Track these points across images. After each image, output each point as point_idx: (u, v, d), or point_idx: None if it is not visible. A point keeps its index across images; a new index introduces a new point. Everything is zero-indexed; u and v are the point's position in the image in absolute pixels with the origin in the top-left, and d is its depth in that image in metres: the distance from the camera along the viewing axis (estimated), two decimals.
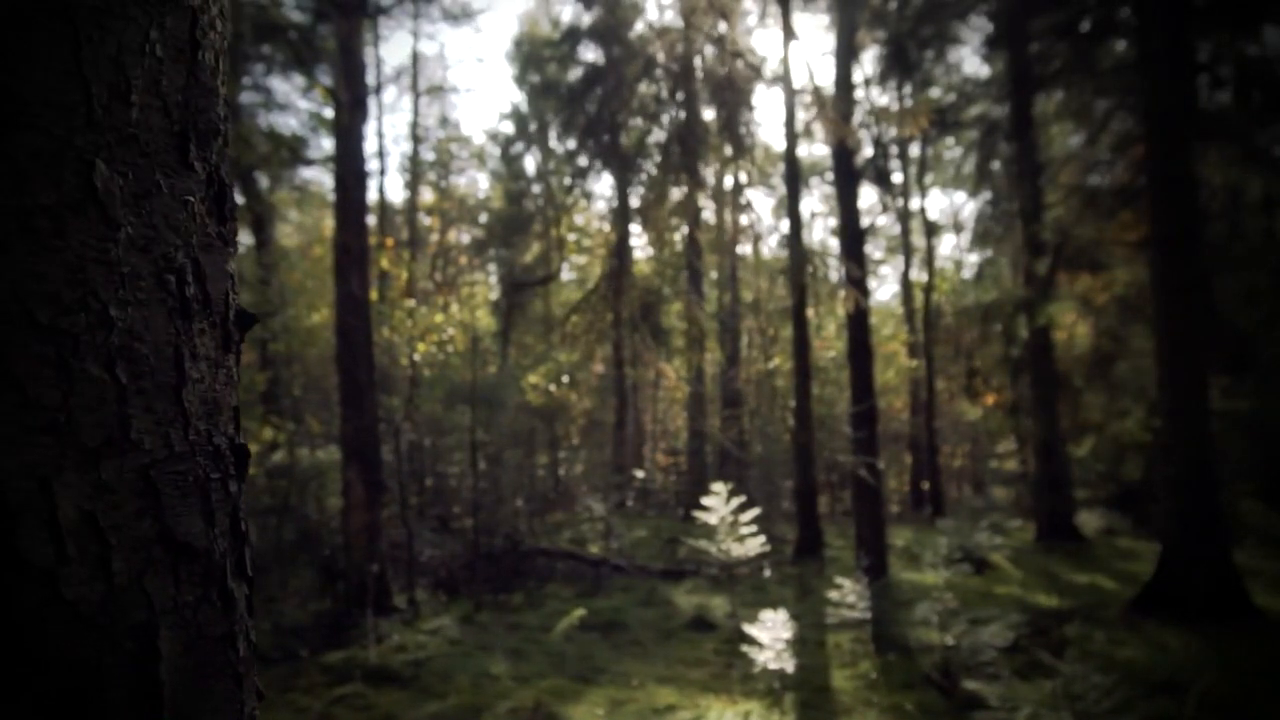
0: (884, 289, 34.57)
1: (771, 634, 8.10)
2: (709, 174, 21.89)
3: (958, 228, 30.39)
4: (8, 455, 0.54)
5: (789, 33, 13.70)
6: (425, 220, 28.84)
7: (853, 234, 12.43)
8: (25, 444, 0.55)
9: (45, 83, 0.59)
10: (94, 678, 0.57)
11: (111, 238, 0.63)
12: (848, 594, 9.70)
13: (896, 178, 24.75)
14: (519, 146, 28.39)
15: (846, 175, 12.33)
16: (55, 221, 0.59)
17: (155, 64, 0.69)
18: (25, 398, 0.55)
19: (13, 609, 0.52)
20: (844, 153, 12.07)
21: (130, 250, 0.65)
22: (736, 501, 9.96)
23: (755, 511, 10.02)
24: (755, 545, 9.80)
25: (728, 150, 18.68)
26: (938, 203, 55.50)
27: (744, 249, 28.63)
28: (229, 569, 0.74)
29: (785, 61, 14.00)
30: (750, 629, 8.33)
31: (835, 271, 17.61)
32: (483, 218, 30.76)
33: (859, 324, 12.21)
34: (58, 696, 0.54)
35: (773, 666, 7.91)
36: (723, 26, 11.55)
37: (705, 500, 10.15)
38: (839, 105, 11.33)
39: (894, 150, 22.48)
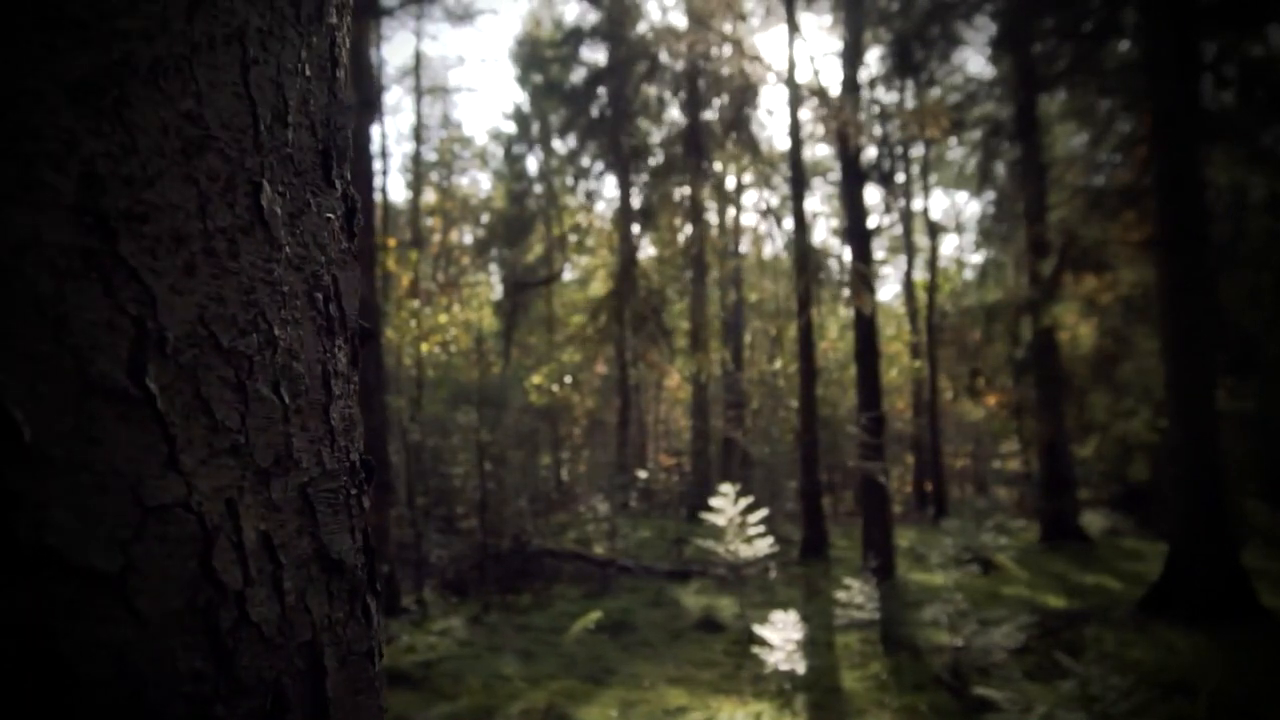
0: (886, 289, 34.54)
1: (782, 635, 8.11)
2: (713, 174, 21.91)
3: (959, 228, 30.43)
4: (202, 478, 0.54)
5: (794, 31, 13.72)
6: (428, 221, 28.83)
7: (859, 234, 12.44)
8: (215, 466, 0.55)
9: (222, 106, 0.59)
10: (279, 698, 0.57)
11: (275, 258, 0.64)
12: (856, 595, 9.72)
13: (898, 178, 24.75)
14: (521, 147, 28.40)
15: (853, 176, 12.34)
16: (231, 244, 0.59)
17: (305, 84, 0.70)
18: (214, 420, 0.56)
19: (214, 633, 0.52)
20: (850, 153, 12.08)
21: (288, 270, 0.66)
22: (745, 502, 9.97)
23: (763, 513, 10.03)
24: (764, 546, 9.81)
25: (731, 149, 18.71)
26: (939, 203, 55.53)
27: (746, 248, 28.67)
28: (367, 584, 0.75)
29: (791, 61, 14.01)
30: (760, 630, 8.33)
31: (837, 272, 17.62)
32: (485, 218, 30.76)
33: (866, 325, 12.22)
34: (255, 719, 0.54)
35: (784, 668, 7.92)
36: (734, 27, 11.57)
37: (713, 501, 10.16)
38: (847, 106, 11.34)
39: (897, 150, 22.48)
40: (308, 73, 0.70)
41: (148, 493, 0.49)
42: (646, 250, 24.62)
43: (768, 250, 30.32)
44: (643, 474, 22.88)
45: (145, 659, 0.47)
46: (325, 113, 0.73)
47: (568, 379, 23.91)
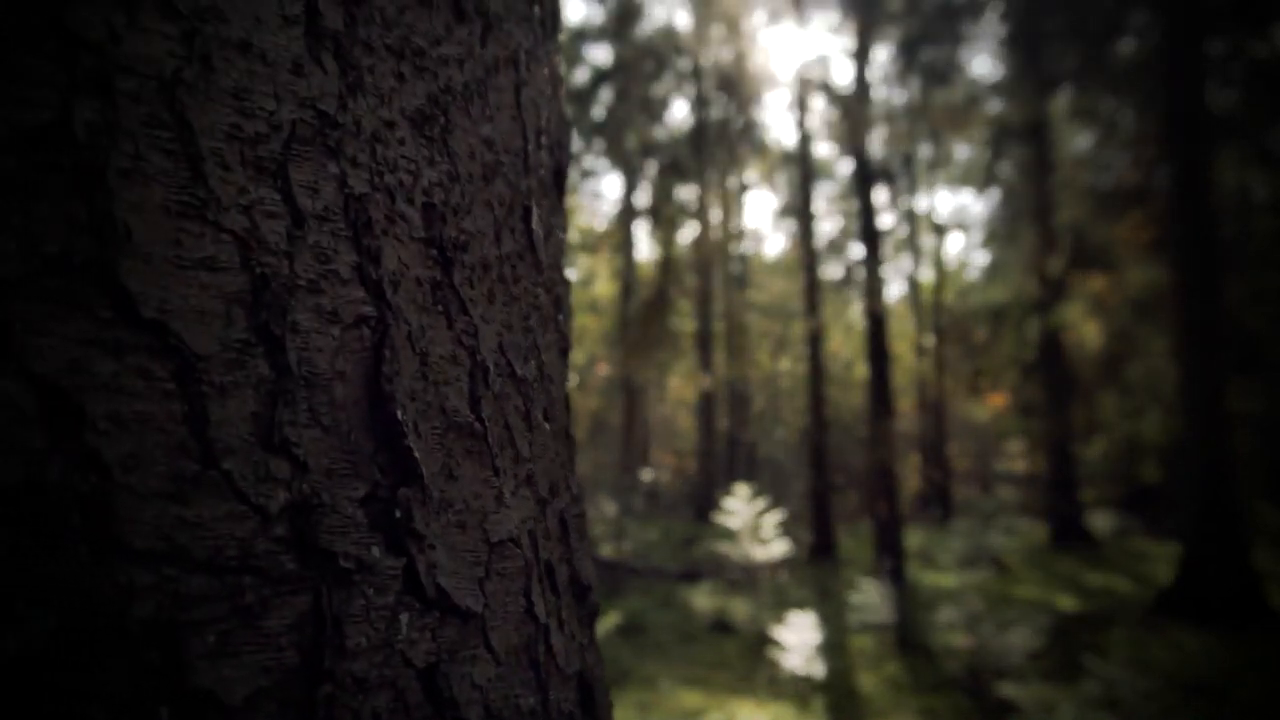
0: (890, 288, 34.53)
1: (799, 637, 8.09)
2: (718, 173, 21.91)
3: (963, 228, 30.42)
4: (515, 509, 0.53)
5: (803, 30, 13.71)
6: None
7: (871, 234, 12.43)
8: (520, 498, 0.54)
9: (504, 129, 0.59)
10: None
11: (539, 282, 0.63)
12: (870, 596, 9.71)
13: (904, 177, 24.70)
14: None
15: (864, 175, 12.32)
16: (513, 269, 0.59)
17: (549, 103, 0.69)
18: (516, 451, 0.55)
19: (536, 667, 0.52)
20: (862, 154, 12.06)
21: (545, 293, 0.65)
22: (760, 504, 9.96)
23: (780, 514, 10.02)
24: (780, 548, 9.80)
25: (738, 149, 18.70)
26: (944, 202, 55.51)
27: (751, 248, 28.65)
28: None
29: (799, 60, 14.01)
30: (776, 631, 8.32)
31: (843, 271, 17.62)
32: None
33: (877, 326, 12.21)
34: None
35: (801, 670, 7.90)
36: (744, 26, 11.56)
37: (728, 502, 10.16)
38: (859, 105, 11.33)
39: (902, 149, 22.44)
40: (548, 92, 0.69)
41: (491, 528, 0.49)
42: (649, 251, 24.61)
43: (772, 250, 30.33)
44: (647, 474, 22.85)
45: (500, 698, 0.46)
46: (557, 132, 0.72)
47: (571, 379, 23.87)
